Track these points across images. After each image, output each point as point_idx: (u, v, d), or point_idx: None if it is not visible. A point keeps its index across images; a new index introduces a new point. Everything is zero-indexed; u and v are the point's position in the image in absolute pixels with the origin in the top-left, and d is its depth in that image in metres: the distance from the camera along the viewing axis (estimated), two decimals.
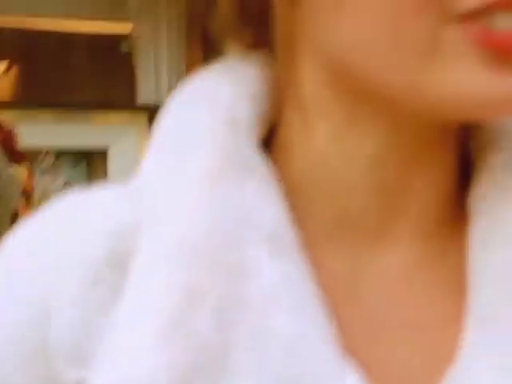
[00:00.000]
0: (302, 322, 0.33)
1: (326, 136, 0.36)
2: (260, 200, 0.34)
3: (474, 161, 0.39)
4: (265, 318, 0.32)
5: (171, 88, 2.08)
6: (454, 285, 0.37)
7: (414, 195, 0.37)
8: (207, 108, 0.36)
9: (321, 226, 0.37)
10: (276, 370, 0.32)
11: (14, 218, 1.99)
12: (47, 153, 2.33)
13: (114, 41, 2.31)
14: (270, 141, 0.38)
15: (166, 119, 0.38)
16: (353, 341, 0.34)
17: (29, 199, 2.09)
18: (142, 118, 2.21)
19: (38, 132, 2.15)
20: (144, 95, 2.32)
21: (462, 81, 0.31)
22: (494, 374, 0.33)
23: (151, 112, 2.16)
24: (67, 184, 2.39)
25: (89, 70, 2.35)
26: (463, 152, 0.39)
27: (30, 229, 0.39)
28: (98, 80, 2.35)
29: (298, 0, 0.35)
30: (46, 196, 2.17)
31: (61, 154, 2.34)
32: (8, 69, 2.39)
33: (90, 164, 2.36)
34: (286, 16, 0.36)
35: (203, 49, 2.29)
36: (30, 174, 2.03)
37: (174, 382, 0.31)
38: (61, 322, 0.35)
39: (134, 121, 2.26)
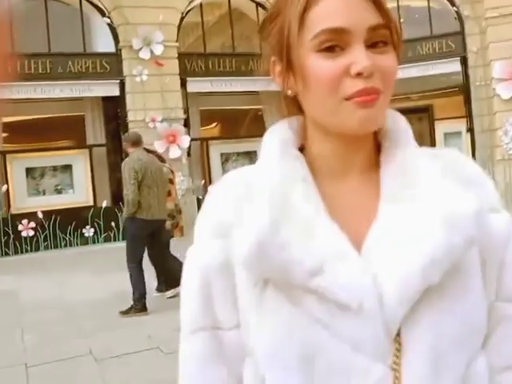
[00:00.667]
0: (314, 205, 0.85)
1: (318, 144, 0.92)
2: (299, 166, 0.90)
3: (380, 137, 0.94)
4: (301, 203, 0.86)
5: None
6: (375, 190, 0.89)
7: (355, 158, 0.91)
8: (276, 137, 0.94)
9: (321, 174, 0.91)
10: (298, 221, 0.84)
11: (167, 195, 7.37)
12: None
13: None
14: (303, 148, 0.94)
15: (264, 141, 0.95)
16: (335, 212, 0.86)
17: (173, 184, 7.87)
18: None
19: None
20: None
21: (348, 118, 0.83)
22: (387, 223, 0.85)
23: None
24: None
25: None
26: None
27: (217, 186, 0.96)
28: None
29: (299, 94, 0.89)
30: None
31: None
32: None
33: None
34: (300, 99, 0.91)
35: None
36: (172, 171, 7.26)
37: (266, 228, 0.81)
38: (228, 210, 0.90)
39: None
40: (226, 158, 15.98)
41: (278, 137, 0.93)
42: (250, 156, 15.73)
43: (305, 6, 0.82)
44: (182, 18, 14.83)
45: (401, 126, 0.94)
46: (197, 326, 0.91)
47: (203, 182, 15.16)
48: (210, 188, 0.96)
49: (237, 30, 16.34)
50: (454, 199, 0.82)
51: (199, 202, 14.13)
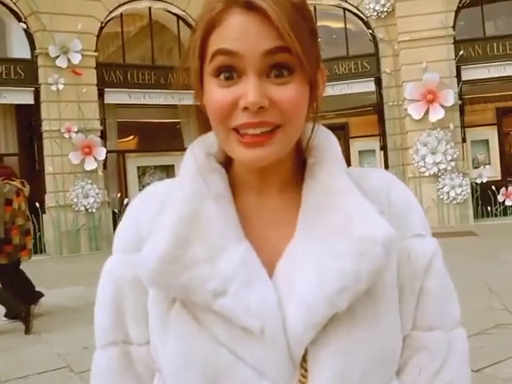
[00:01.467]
0: (226, 223, 0.83)
1: (237, 165, 0.90)
2: (217, 181, 0.88)
3: (306, 159, 0.91)
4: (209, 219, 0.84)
5: None
6: (295, 209, 0.87)
7: (273, 177, 0.89)
8: (200, 148, 0.91)
9: (242, 189, 0.90)
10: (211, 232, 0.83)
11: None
12: None
13: None
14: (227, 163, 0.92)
15: (186, 152, 0.92)
16: (250, 231, 0.85)
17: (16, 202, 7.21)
18: None
19: None
20: None
21: (237, 154, 0.82)
22: (302, 244, 0.83)
23: None
24: None
25: None
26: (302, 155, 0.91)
27: (136, 199, 0.96)
28: None
29: None
30: None
31: None
32: None
33: None
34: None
35: None
36: (21, 189, 6.67)
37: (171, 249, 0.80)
38: (144, 224, 0.89)
39: None
40: (142, 171, 15.76)
41: (201, 148, 0.91)
42: (168, 170, 15.64)
43: (206, 29, 0.80)
44: (101, 28, 14.59)
45: (328, 144, 0.91)
46: (107, 340, 0.90)
47: (119, 195, 14.89)
48: (132, 201, 0.96)
49: (157, 43, 16.27)
50: (369, 225, 0.81)
51: (114, 216, 13.87)
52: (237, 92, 0.78)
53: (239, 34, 0.77)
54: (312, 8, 0.82)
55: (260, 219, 0.88)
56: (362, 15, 15.60)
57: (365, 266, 0.79)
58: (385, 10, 15.12)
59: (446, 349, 0.88)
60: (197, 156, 0.90)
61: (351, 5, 15.64)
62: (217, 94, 0.79)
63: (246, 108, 0.77)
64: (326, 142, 0.91)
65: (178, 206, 0.84)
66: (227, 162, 0.91)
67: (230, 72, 0.79)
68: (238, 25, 0.78)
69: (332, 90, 14.49)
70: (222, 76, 0.79)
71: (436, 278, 0.89)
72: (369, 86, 15.78)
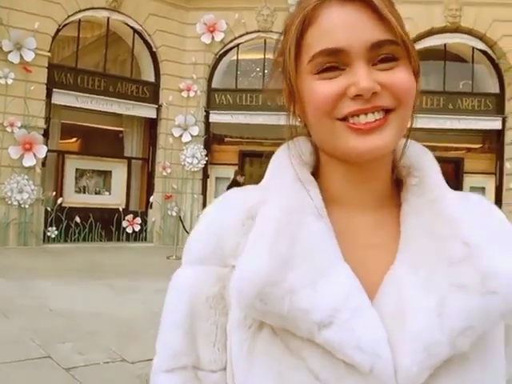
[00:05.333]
0: (326, 243, 0.75)
1: (329, 171, 0.84)
2: (313, 195, 0.79)
3: (402, 173, 0.85)
4: (309, 236, 0.75)
5: None
6: (394, 230, 0.81)
7: (371, 189, 0.83)
8: (290, 156, 0.85)
9: (335, 204, 0.82)
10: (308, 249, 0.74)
11: None
12: None
13: None
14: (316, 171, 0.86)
15: (276, 158, 0.87)
16: (347, 252, 0.76)
17: None
18: None
19: None
20: None
21: (347, 144, 0.76)
22: (407, 269, 0.75)
23: None
24: None
25: None
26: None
27: (216, 207, 0.87)
28: None
29: (304, 120, 0.84)
30: None
31: None
32: None
33: None
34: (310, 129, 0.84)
35: None
36: None
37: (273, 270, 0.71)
38: (228, 235, 0.81)
39: None
40: (80, 174, 15.92)
41: (292, 156, 0.84)
42: (105, 175, 15.99)
43: (301, 29, 0.77)
44: (58, 30, 14.81)
45: (427, 161, 0.85)
46: (177, 364, 0.82)
47: (54, 194, 14.99)
48: (207, 207, 0.89)
49: (111, 53, 16.58)
50: (499, 258, 0.72)
51: (47, 214, 14.07)
52: (343, 82, 0.75)
53: (342, 29, 0.75)
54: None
55: (355, 239, 0.81)
56: (492, 55, 16.07)
57: (496, 305, 0.71)
58: None
59: None
60: (288, 163, 0.84)
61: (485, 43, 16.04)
62: (320, 86, 0.76)
63: (357, 96, 0.74)
64: (424, 159, 0.86)
65: (276, 219, 0.76)
66: (315, 174, 0.85)
67: (333, 66, 0.76)
68: (339, 19, 0.75)
69: (453, 123, 15.03)
70: (323, 71, 0.76)
71: None
72: (495, 123, 16.06)
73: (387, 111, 0.76)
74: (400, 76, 0.76)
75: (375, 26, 0.74)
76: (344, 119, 0.76)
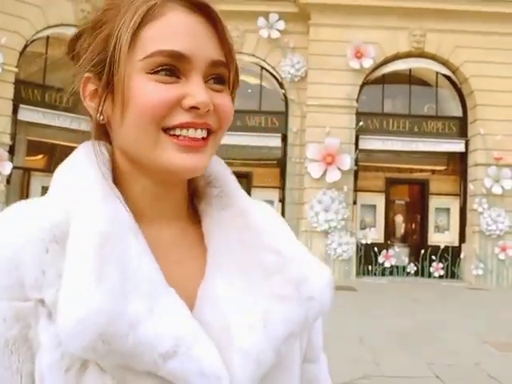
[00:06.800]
0: (147, 264, 0.70)
1: (131, 182, 0.78)
2: (122, 211, 0.72)
3: (199, 182, 0.84)
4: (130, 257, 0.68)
5: None
6: (196, 244, 0.80)
7: (173, 201, 0.80)
8: (93, 167, 0.75)
9: (140, 219, 0.75)
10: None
11: None
12: None
13: None
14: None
15: (66, 166, 0.80)
16: (165, 272, 0.71)
17: None
18: None
19: None
20: None
21: (172, 159, 0.72)
22: (220, 283, 0.75)
23: None
24: None
25: None
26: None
27: (7, 227, 0.70)
28: None
29: (110, 123, 0.76)
30: None
31: None
32: None
33: None
34: (112, 127, 0.77)
35: None
36: None
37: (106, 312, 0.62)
38: (28, 269, 0.66)
39: None
40: (46, 191, 15.29)
41: (94, 167, 0.76)
42: None
43: (140, 21, 0.72)
44: (26, 45, 14.71)
45: (228, 174, 0.86)
46: None
47: None
48: None
49: None
50: (309, 267, 0.78)
51: None
52: (180, 91, 0.72)
53: (189, 37, 0.72)
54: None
55: (167, 256, 0.76)
56: (277, 76, 16.60)
57: (315, 309, 0.75)
58: (298, 74, 16.24)
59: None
60: (92, 174, 0.75)
61: (269, 65, 16.62)
62: (156, 89, 0.71)
63: (192, 108, 0.72)
64: (224, 172, 0.86)
65: (94, 243, 0.66)
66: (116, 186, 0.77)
67: (171, 70, 0.72)
68: (186, 26, 0.73)
69: (240, 139, 15.24)
70: (162, 72, 0.72)
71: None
72: (275, 141, 16.63)
73: (209, 132, 0.75)
74: (226, 101, 0.77)
75: (216, 45, 0.74)
76: (168, 129, 0.73)
